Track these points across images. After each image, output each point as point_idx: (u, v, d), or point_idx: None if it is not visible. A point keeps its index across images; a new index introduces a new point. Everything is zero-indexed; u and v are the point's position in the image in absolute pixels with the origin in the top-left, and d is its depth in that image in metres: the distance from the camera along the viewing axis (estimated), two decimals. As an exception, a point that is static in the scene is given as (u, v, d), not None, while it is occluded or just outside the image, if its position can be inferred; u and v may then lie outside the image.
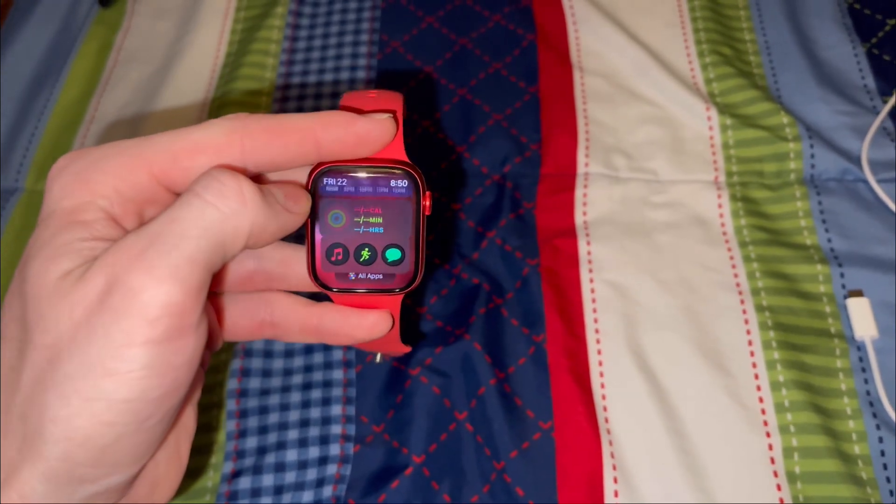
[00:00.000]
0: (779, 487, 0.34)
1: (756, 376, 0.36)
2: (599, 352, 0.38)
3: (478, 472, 0.35)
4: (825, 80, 0.46)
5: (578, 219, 0.42)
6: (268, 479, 0.36)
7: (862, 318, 0.37)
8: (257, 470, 0.36)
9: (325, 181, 0.24)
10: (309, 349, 0.39)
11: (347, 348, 0.39)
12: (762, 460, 0.34)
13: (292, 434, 0.37)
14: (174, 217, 0.20)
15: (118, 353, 0.19)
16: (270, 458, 0.36)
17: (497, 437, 0.36)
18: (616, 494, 0.34)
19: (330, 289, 0.25)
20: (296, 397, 0.38)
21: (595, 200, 0.43)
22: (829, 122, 0.44)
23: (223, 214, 0.21)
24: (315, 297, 0.28)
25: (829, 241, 0.40)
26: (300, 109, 0.48)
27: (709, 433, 0.35)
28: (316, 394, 0.38)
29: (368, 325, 0.26)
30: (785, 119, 0.44)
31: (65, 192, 0.21)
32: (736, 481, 0.34)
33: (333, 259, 0.25)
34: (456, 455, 0.36)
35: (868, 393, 0.36)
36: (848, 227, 0.40)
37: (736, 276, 0.40)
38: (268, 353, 0.39)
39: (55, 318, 0.20)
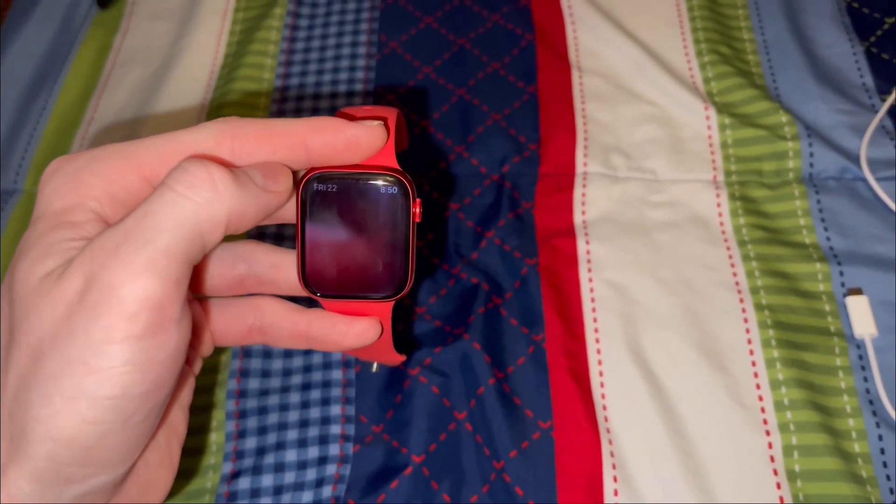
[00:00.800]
0: (779, 486, 0.34)
1: (755, 375, 0.36)
2: (599, 351, 0.38)
3: (477, 471, 0.35)
4: (824, 78, 0.46)
5: (577, 218, 0.42)
6: (267, 480, 0.36)
7: (861, 316, 0.37)
8: (257, 470, 0.36)
9: (314, 187, 0.24)
10: (308, 350, 0.39)
11: (346, 349, 0.39)
12: (762, 459, 0.34)
13: (291, 434, 0.37)
14: (147, 211, 0.20)
15: (99, 350, 0.19)
16: (270, 459, 0.36)
17: (496, 437, 0.36)
18: (616, 493, 0.34)
19: (319, 294, 0.25)
20: (295, 397, 0.38)
21: (594, 200, 0.43)
22: (828, 120, 0.44)
23: (196, 204, 0.20)
24: (309, 301, 0.28)
25: (829, 239, 0.40)
26: (299, 110, 0.48)
27: (708, 432, 0.35)
28: (315, 394, 0.38)
29: (356, 332, 0.26)
30: (784, 118, 0.44)
31: (56, 194, 0.21)
32: (736, 480, 0.34)
33: (323, 265, 0.25)
34: (455, 455, 0.36)
35: (868, 391, 0.36)
36: (847, 225, 0.40)
37: (735, 274, 0.39)
38: (267, 354, 0.39)
39: (38, 317, 0.20)
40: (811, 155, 0.42)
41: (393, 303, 0.26)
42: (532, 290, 0.40)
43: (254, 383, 0.38)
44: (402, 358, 0.30)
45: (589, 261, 0.41)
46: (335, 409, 0.37)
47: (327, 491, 0.35)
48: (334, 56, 0.50)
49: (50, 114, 0.51)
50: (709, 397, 0.36)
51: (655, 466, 0.35)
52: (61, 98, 0.52)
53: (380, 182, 0.24)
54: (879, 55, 0.47)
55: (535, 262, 0.41)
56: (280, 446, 0.36)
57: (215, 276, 0.27)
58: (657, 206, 0.42)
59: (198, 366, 0.27)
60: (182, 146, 0.22)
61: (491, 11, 0.51)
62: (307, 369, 0.39)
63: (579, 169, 0.44)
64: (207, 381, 0.39)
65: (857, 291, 0.38)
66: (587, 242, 0.41)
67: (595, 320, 0.39)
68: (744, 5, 0.50)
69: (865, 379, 0.36)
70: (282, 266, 0.27)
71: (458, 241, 0.42)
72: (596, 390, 0.37)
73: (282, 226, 0.44)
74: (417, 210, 0.24)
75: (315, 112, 0.48)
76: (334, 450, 0.36)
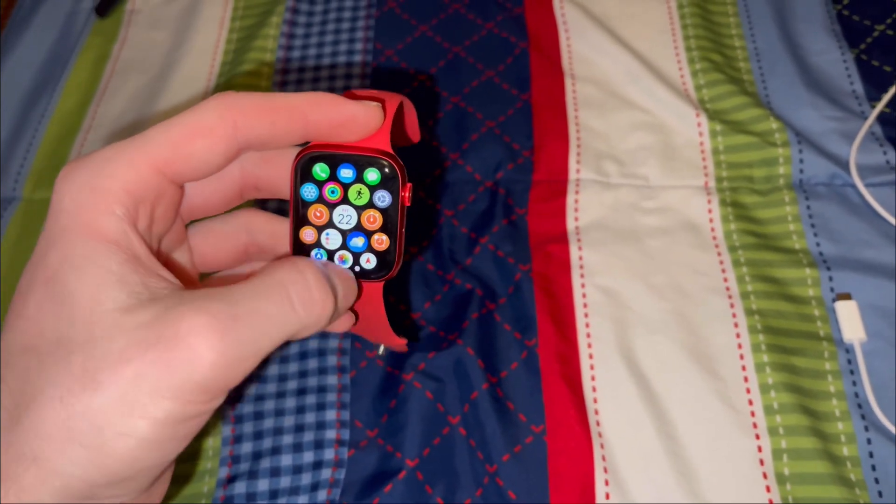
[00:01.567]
0: (768, 489, 0.34)
1: (745, 379, 0.37)
2: (591, 356, 0.38)
3: (471, 475, 0.36)
4: (814, 85, 0.46)
5: (570, 224, 0.43)
6: (263, 484, 0.36)
7: (850, 321, 0.37)
8: (252, 475, 0.36)
9: (308, 164, 0.24)
10: (303, 355, 0.40)
11: (342, 354, 0.40)
12: (752, 462, 0.35)
13: (287, 439, 0.37)
14: (259, 310, 0.21)
15: (156, 402, 0.20)
16: (266, 463, 0.36)
17: (490, 441, 0.36)
18: (608, 497, 0.34)
19: None
20: (291, 402, 0.38)
21: (587, 206, 0.43)
22: (818, 127, 0.44)
23: (304, 323, 0.22)
24: None
25: (818, 244, 0.41)
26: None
27: (699, 435, 0.36)
28: (310, 399, 0.38)
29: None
30: (774, 124, 0.44)
31: (77, 204, 0.21)
32: (726, 483, 0.34)
33: (315, 242, 0.25)
34: (449, 459, 0.36)
35: (856, 395, 0.36)
36: (836, 231, 0.41)
37: (726, 280, 0.40)
38: (263, 359, 0.40)
39: (106, 347, 0.20)
40: (801, 161, 0.43)
41: (381, 284, 0.26)
42: (525, 295, 0.40)
43: (250, 388, 0.39)
44: (404, 341, 0.30)
45: (581, 266, 0.41)
46: (330, 414, 0.38)
47: (322, 495, 0.35)
48: (330, 64, 0.51)
49: (49, 121, 0.52)
50: (699, 401, 0.36)
51: (647, 470, 0.35)
52: (60, 106, 0.52)
53: (372, 164, 0.24)
54: (869, 62, 0.47)
55: (528, 268, 0.41)
56: (276, 451, 0.37)
57: (220, 250, 0.27)
58: (649, 213, 0.43)
59: None
60: (188, 130, 0.22)
61: (485, 20, 0.52)
62: (303, 374, 0.39)
63: (572, 175, 0.45)
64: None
65: (847, 296, 0.39)
66: (580, 248, 0.42)
67: (587, 325, 0.39)
68: (735, 13, 0.51)
69: (854, 383, 0.36)
70: (281, 235, 0.27)
71: (452, 247, 0.43)
72: (588, 394, 0.37)
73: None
74: (407, 194, 0.25)
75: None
76: (329, 454, 0.36)
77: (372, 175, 0.24)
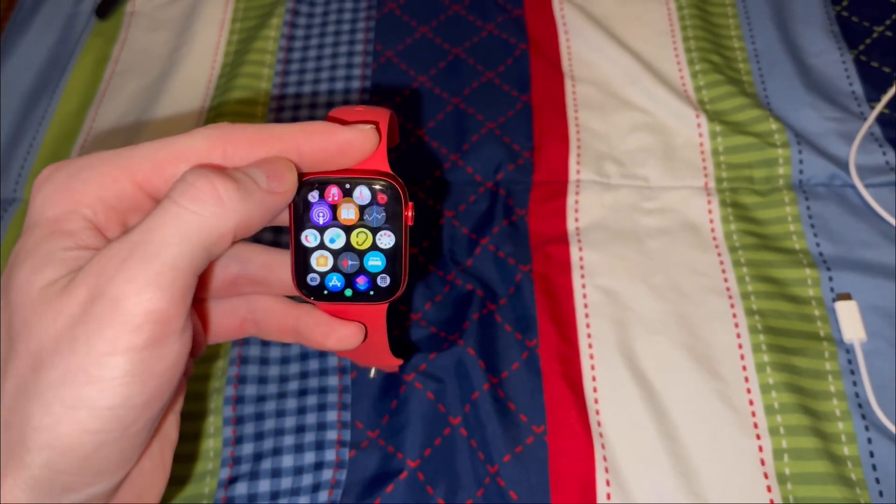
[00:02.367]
0: (769, 489, 0.34)
1: (746, 379, 0.37)
2: (592, 356, 0.38)
3: (472, 476, 0.36)
4: (813, 86, 0.46)
5: (570, 225, 0.43)
6: (264, 485, 0.36)
7: (850, 321, 0.38)
8: (254, 476, 0.36)
9: (307, 191, 0.24)
10: (304, 356, 0.40)
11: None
12: (752, 462, 0.35)
13: (288, 440, 0.37)
14: (153, 225, 0.20)
15: (101, 361, 0.19)
16: (267, 464, 0.36)
17: (491, 442, 0.36)
18: (609, 497, 0.34)
19: (312, 296, 0.26)
20: (292, 403, 0.38)
21: (587, 207, 0.43)
22: (818, 128, 0.45)
23: (202, 218, 0.20)
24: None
25: (818, 245, 0.41)
26: (295, 119, 0.49)
27: (700, 436, 0.36)
28: (311, 400, 0.38)
29: (338, 336, 0.26)
30: (773, 125, 0.44)
31: (48, 202, 0.21)
32: (727, 483, 0.34)
33: (316, 267, 0.25)
34: (450, 459, 0.36)
35: (857, 395, 0.36)
36: (836, 231, 0.41)
37: (726, 280, 0.40)
38: (264, 361, 0.40)
39: (39, 326, 0.20)
40: (801, 162, 0.43)
41: (386, 305, 0.26)
42: (526, 296, 0.40)
43: (251, 389, 0.39)
44: (399, 362, 0.30)
45: (582, 267, 0.41)
46: (331, 415, 0.38)
47: (324, 496, 0.35)
48: (330, 65, 0.51)
49: (49, 123, 0.52)
50: (700, 401, 0.37)
51: (647, 470, 0.35)
52: (61, 107, 0.52)
53: (372, 186, 0.24)
54: (868, 63, 0.47)
55: (528, 268, 0.41)
56: (277, 452, 0.37)
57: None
58: (649, 213, 0.43)
59: (190, 369, 0.28)
60: (175, 152, 0.22)
61: (485, 21, 0.52)
62: (304, 375, 0.39)
63: (572, 176, 0.45)
64: (204, 388, 0.39)
65: (847, 296, 0.39)
66: (580, 249, 0.42)
67: (588, 326, 0.39)
68: (734, 14, 0.51)
69: (854, 383, 0.36)
70: (274, 266, 0.27)
71: (452, 247, 0.43)
72: (589, 395, 0.37)
73: (278, 231, 0.44)
74: (410, 214, 0.25)
75: (311, 120, 0.49)
76: (330, 455, 0.36)
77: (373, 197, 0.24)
